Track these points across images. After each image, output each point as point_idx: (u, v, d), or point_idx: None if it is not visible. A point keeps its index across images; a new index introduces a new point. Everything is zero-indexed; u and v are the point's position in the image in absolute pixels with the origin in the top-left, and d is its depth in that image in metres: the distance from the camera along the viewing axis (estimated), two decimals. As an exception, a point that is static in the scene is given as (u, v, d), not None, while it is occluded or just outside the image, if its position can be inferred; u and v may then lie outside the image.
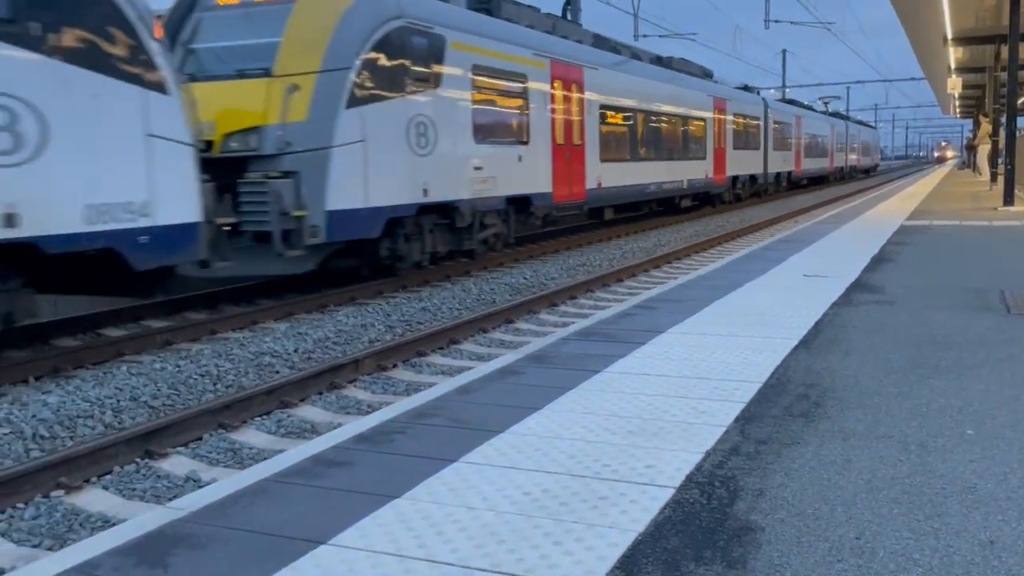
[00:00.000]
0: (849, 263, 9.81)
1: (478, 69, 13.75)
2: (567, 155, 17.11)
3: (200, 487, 5.44)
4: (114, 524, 4.90)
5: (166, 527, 3.00)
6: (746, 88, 34.09)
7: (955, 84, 26.77)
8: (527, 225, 17.01)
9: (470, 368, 8.20)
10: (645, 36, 46.04)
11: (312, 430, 6.54)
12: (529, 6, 17.12)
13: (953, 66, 27.76)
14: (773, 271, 9.32)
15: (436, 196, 12.61)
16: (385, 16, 11.47)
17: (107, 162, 7.16)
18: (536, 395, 4.59)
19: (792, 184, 41.54)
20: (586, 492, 3.23)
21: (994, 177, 24.47)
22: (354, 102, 10.85)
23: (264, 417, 6.77)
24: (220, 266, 8.78)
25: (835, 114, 59.23)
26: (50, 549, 4.67)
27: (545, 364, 5.28)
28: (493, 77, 14.26)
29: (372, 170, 11.17)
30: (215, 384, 7.61)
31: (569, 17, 23.27)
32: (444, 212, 13.16)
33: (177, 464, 5.79)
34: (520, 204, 15.50)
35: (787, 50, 64.25)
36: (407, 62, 11.91)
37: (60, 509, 5.09)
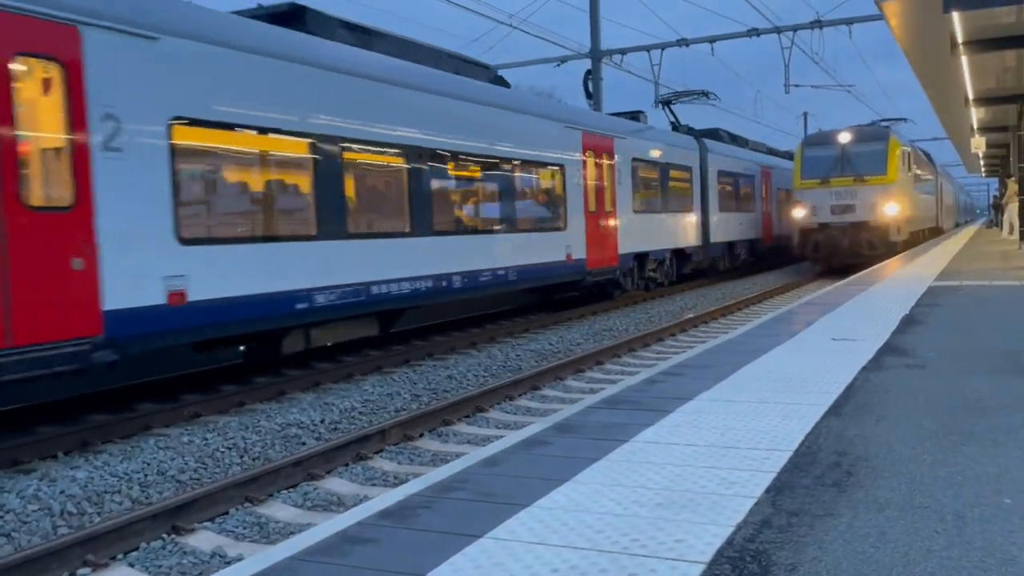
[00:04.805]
0: (878, 325, 9.71)
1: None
2: None
3: (226, 563, 5.40)
4: (139, 602, 4.87)
5: (190, 608, 2.97)
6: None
7: (979, 144, 26.74)
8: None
9: (496, 436, 8.14)
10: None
11: (338, 502, 6.50)
12: None
13: (976, 126, 27.79)
14: (801, 335, 9.24)
15: None
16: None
17: None
18: (563, 466, 4.54)
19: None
20: (615, 569, 3.17)
21: (1023, 236, 24.32)
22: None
23: (291, 490, 6.75)
24: None
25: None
26: (75, 628, 4.65)
27: (572, 434, 5.24)
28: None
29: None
30: (242, 456, 7.61)
31: (591, 88, 23.68)
32: None
33: (203, 540, 5.76)
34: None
35: (808, 112, 64.59)
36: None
37: (86, 587, 5.07)
